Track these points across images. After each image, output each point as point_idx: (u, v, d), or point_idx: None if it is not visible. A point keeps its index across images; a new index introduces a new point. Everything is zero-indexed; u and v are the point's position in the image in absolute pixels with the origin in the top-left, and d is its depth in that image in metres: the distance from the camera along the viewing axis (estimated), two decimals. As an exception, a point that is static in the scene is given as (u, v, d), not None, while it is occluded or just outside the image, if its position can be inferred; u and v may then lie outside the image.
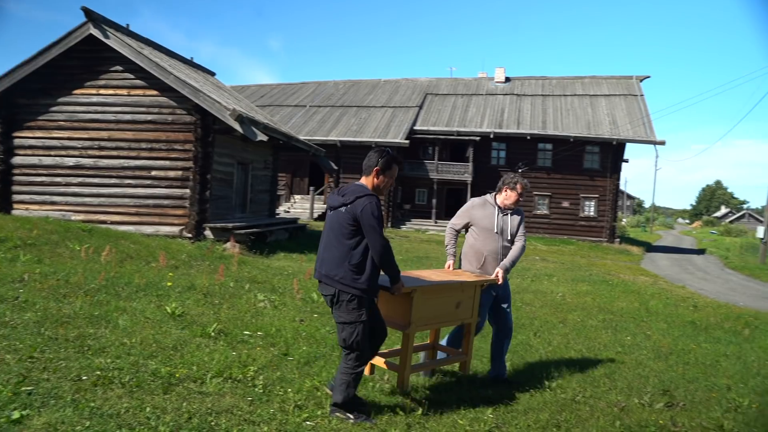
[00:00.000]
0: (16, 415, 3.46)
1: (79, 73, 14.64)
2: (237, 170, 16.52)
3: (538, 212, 32.61)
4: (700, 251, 38.95)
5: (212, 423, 3.75)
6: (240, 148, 16.47)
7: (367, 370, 4.81)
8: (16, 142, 14.78)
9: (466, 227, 5.43)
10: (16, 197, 14.79)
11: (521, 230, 5.36)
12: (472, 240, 5.36)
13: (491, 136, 32.37)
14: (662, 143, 30.61)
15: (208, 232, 14.19)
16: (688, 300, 13.42)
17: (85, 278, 7.83)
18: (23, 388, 3.87)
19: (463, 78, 40.05)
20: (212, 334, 5.85)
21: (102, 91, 14.63)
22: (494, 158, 33.36)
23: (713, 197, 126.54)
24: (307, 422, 3.94)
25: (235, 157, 16.23)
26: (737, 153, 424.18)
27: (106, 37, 14.05)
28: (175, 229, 14.22)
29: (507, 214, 5.32)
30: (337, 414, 4.03)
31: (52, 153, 14.64)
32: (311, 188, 31.64)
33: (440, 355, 5.45)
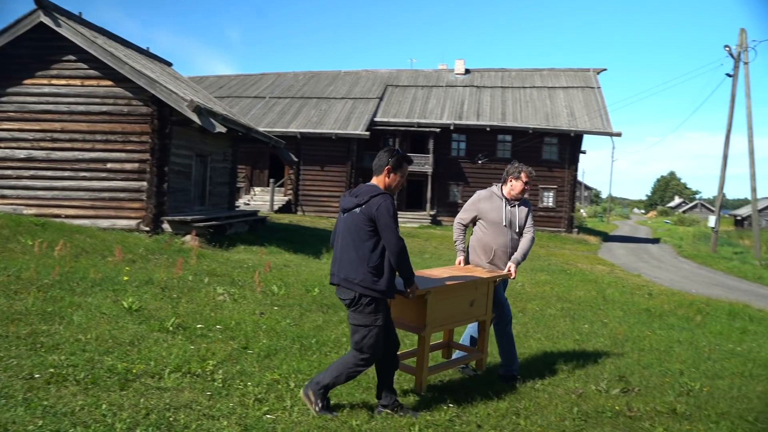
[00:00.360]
0: (-36, 415, 3.36)
1: (29, 63, 14.13)
2: (195, 162, 16.25)
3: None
4: (655, 240, 40.02)
5: (170, 418, 3.70)
6: (198, 140, 16.20)
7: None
8: (-37, 133, 14.24)
9: (474, 221, 5.36)
10: (-37, 191, 14.28)
11: (529, 221, 5.31)
12: (480, 233, 5.29)
13: (451, 127, 32.51)
14: (618, 135, 31.17)
15: (166, 226, 13.93)
16: (643, 288, 13.78)
17: (37, 274, 7.63)
18: (-29, 388, 3.76)
19: (424, 70, 40.02)
20: (170, 328, 5.77)
21: (54, 81, 14.17)
22: (454, 150, 33.51)
23: (667, 188, 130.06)
24: (267, 415, 3.91)
25: (193, 149, 15.96)
26: (690, 145, 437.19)
27: (58, 25, 13.61)
28: (132, 223, 13.92)
29: (514, 206, 5.27)
30: (309, 392, 3.97)
31: (2, 145, 14.14)
32: (271, 180, 31.32)
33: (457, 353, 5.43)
